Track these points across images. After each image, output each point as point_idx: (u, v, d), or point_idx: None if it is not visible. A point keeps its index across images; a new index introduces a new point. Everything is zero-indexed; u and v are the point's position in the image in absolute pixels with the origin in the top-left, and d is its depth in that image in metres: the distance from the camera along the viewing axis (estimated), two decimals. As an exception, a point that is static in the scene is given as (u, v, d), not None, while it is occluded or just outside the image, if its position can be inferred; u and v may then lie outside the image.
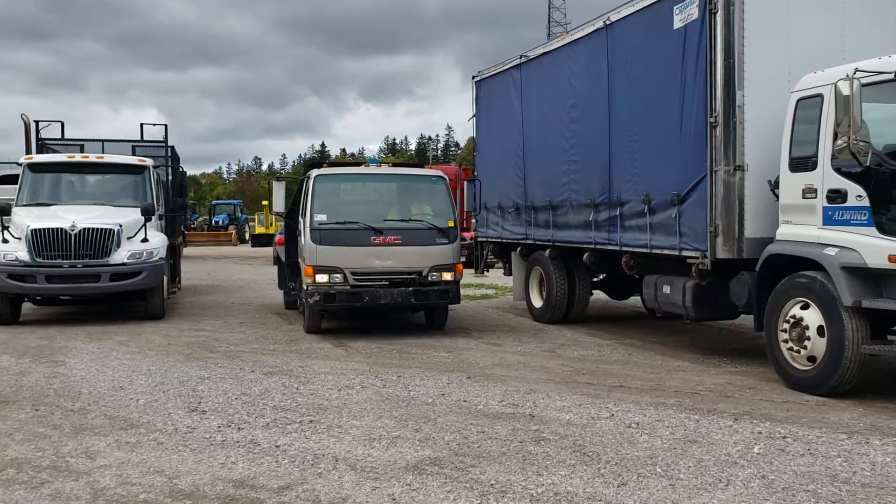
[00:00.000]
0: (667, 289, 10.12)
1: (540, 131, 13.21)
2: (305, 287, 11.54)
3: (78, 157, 14.86)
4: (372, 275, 11.38)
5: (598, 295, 14.35)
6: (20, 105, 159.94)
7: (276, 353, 10.42)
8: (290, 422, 6.92)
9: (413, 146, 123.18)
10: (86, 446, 6.24)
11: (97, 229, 13.20)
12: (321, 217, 11.49)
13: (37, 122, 16.95)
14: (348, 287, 11.28)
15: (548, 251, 13.03)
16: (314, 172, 11.99)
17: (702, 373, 9.12)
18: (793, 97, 8.26)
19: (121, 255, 13.36)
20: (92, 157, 14.89)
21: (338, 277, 11.26)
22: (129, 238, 13.59)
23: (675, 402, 7.64)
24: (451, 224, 11.84)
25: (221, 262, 31.86)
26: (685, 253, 9.55)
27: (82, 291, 13.31)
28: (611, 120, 11.07)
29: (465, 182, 13.49)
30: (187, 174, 16.75)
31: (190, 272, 25.63)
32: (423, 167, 13.49)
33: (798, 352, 8.00)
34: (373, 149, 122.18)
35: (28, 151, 16.78)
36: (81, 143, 18.06)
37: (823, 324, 7.66)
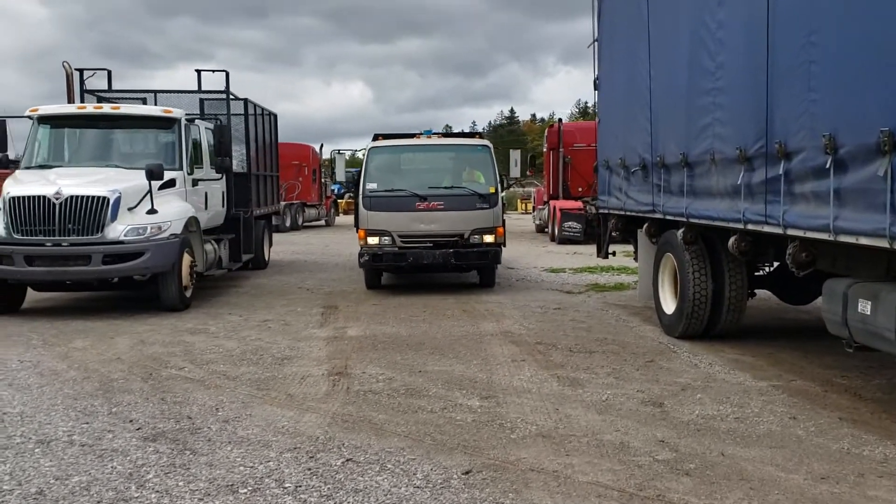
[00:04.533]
0: (866, 307, 5.61)
1: (673, 49, 8.79)
2: (360, 248, 12.46)
3: (90, 108, 12.05)
4: (417, 237, 12.25)
5: (765, 295, 9.78)
6: (245, 80, 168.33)
7: (233, 385, 6.94)
8: None
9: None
10: None
11: (85, 197, 10.30)
12: (372, 185, 12.54)
13: (80, 71, 14.37)
14: (395, 248, 12.27)
15: (680, 231, 8.65)
16: (370, 145, 12.89)
17: (931, 481, 4.65)
18: None
19: (117, 231, 10.43)
20: (106, 108, 12.03)
21: (387, 240, 12.30)
22: (130, 209, 10.61)
23: None
24: (493, 190, 12.43)
25: (351, 232, 29.12)
26: (903, 245, 5.07)
27: (68, 276, 10.47)
28: (770, 13, 6.56)
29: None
30: (229, 129, 13.55)
31: (310, 244, 23.64)
32: (474, 136, 13.99)
33: None
34: (565, 112, 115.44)
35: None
36: (144, 95, 15.46)
37: None
